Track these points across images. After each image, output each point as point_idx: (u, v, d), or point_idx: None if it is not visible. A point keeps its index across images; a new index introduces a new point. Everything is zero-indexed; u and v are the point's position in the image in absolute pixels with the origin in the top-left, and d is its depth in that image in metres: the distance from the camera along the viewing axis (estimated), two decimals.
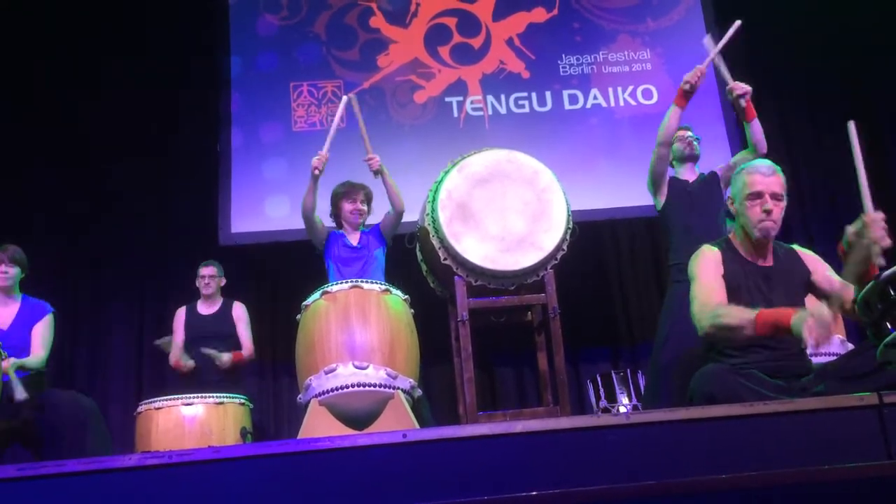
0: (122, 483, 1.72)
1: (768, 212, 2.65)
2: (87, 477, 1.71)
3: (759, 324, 2.41)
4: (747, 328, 2.43)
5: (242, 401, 3.93)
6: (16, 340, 3.60)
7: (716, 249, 2.77)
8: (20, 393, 3.30)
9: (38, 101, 5.73)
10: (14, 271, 3.76)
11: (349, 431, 3.08)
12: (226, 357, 4.38)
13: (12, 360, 3.43)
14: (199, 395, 3.82)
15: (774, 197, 2.67)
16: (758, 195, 2.66)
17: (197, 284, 4.67)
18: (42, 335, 3.73)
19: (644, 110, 5.79)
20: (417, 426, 3.08)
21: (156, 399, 3.82)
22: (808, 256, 2.82)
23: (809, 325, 2.24)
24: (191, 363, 4.41)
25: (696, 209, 3.71)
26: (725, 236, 2.85)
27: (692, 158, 3.91)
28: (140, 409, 3.85)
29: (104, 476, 1.72)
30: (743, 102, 3.68)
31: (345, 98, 4.16)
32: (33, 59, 5.74)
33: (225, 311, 4.63)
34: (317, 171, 3.93)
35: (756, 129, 3.70)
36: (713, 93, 5.75)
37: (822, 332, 2.23)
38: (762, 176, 2.68)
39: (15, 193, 5.45)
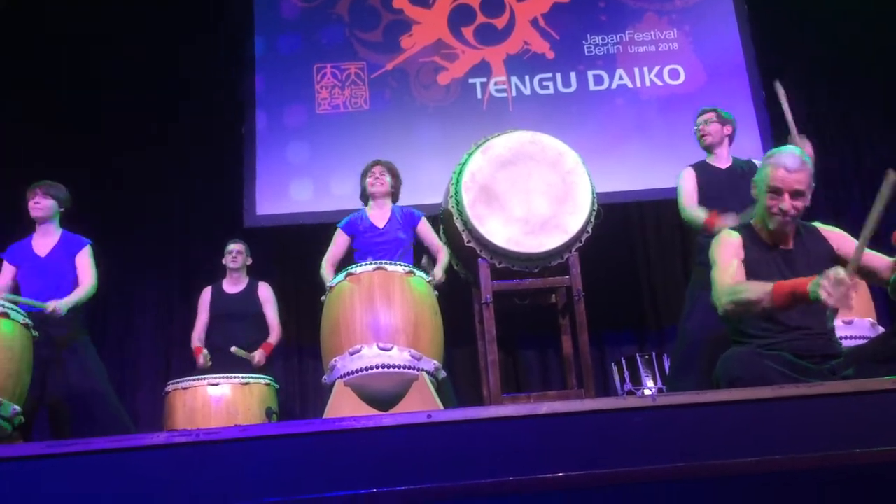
0: (150, 461, 1.74)
1: (784, 211, 2.61)
2: (115, 454, 1.74)
3: (776, 295, 2.39)
4: (765, 300, 2.42)
5: (268, 381, 3.96)
6: (53, 269, 3.75)
7: (736, 234, 2.74)
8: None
9: (65, 85, 5.77)
10: (47, 202, 3.88)
11: (374, 412, 3.09)
12: (258, 356, 4.35)
13: (62, 301, 3.55)
14: (225, 375, 3.86)
15: (795, 195, 2.61)
16: (777, 191, 2.61)
17: (224, 261, 4.69)
18: (86, 265, 3.85)
19: (671, 90, 5.71)
20: (442, 407, 3.08)
21: (183, 379, 3.86)
22: (831, 233, 2.77)
23: (826, 287, 2.23)
24: (209, 364, 4.32)
25: (726, 196, 3.64)
26: (747, 221, 2.82)
27: (716, 146, 3.86)
28: (168, 389, 3.90)
29: (132, 454, 1.74)
30: None
31: None
32: (60, 44, 5.79)
33: (251, 291, 4.65)
34: None
35: None
36: (741, 76, 5.66)
37: (840, 294, 2.22)
38: (786, 172, 2.60)
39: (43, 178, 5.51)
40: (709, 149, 3.88)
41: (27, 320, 3.17)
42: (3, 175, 5.35)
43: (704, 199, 3.72)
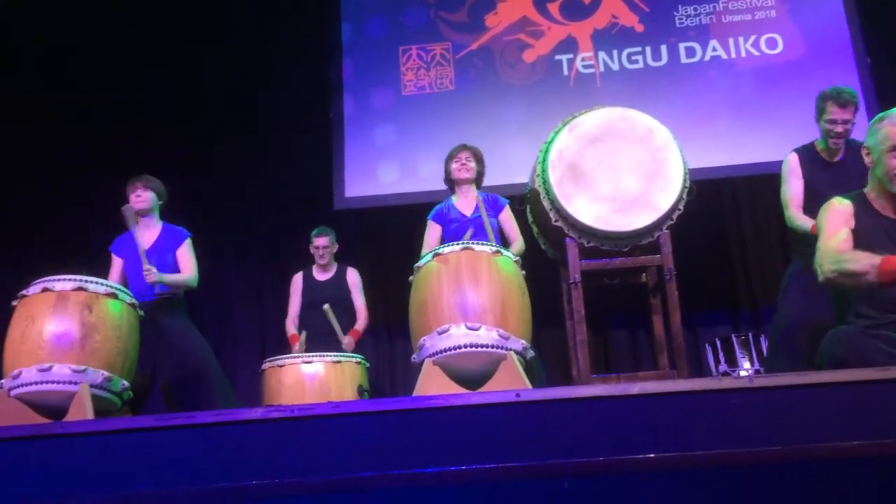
0: (248, 434, 1.81)
1: None
2: (216, 428, 1.82)
3: (882, 270, 2.27)
4: (870, 274, 2.30)
5: (359, 360, 4.05)
6: (156, 262, 3.88)
7: (847, 202, 2.59)
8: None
9: (155, 75, 6.00)
10: (148, 195, 4.03)
11: (463, 391, 3.11)
12: (347, 342, 4.45)
13: (164, 275, 3.81)
14: (319, 354, 3.96)
15: None
16: None
17: (311, 252, 4.79)
18: (187, 257, 4.02)
19: (768, 61, 5.46)
20: (530, 387, 3.07)
21: (278, 357, 3.99)
22: None
23: None
24: (303, 349, 4.44)
25: (835, 179, 3.42)
26: (860, 190, 2.66)
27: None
28: (264, 366, 4.04)
29: (232, 427, 1.82)
30: None
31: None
32: (148, 36, 6.01)
33: (340, 277, 4.74)
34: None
35: None
36: (844, 43, 5.36)
37: None
38: None
39: (138, 162, 5.75)
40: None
41: (133, 300, 3.33)
42: (100, 167, 5.63)
43: (807, 187, 3.52)
